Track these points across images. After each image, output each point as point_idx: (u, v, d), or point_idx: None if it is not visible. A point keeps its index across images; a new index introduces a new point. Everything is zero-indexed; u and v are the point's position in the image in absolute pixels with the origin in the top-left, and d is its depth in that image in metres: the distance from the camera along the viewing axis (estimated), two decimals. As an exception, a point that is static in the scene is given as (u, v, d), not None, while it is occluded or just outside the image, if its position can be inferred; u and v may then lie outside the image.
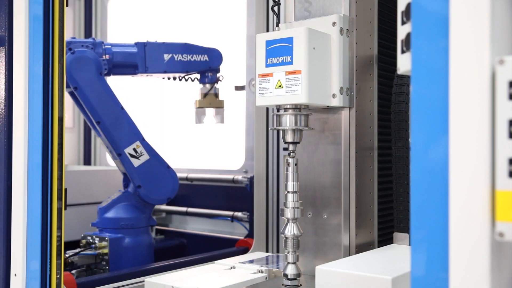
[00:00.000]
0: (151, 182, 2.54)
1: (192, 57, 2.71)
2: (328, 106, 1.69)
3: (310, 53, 1.56)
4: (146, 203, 2.57)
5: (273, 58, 1.60)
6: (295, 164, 1.65)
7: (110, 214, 2.53)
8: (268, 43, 1.61)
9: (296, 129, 1.63)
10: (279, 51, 1.59)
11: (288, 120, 1.63)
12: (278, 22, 1.75)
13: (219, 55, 2.80)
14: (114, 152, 2.49)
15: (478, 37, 0.83)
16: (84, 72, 2.40)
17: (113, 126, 2.45)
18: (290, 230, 1.63)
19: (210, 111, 2.82)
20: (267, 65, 1.61)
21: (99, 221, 2.55)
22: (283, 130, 1.65)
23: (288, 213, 1.63)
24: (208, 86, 2.79)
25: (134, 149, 2.49)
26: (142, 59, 2.61)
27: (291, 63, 1.57)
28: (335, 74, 1.66)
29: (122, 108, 2.50)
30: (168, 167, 2.60)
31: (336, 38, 1.66)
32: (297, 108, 1.62)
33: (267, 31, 2.59)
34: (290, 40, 1.57)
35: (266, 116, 2.60)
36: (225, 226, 2.96)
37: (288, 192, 1.64)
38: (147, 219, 2.59)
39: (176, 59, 2.68)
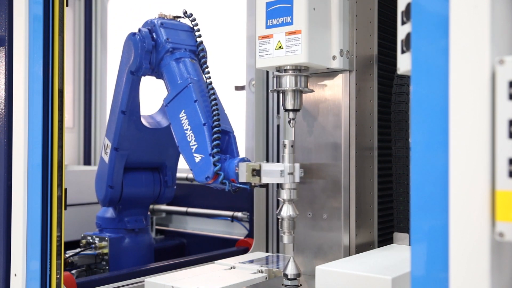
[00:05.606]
0: None
1: None
2: (328, 68, 1.67)
3: (310, 13, 1.55)
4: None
5: (273, 20, 1.60)
6: (291, 146, 1.62)
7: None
8: (268, 4, 1.61)
9: (296, 90, 1.62)
10: (279, 12, 1.58)
11: (288, 81, 1.62)
12: None
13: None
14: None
15: (478, 37, 0.83)
16: None
17: None
18: (286, 211, 1.62)
19: None
20: (267, 27, 1.60)
21: None
22: (283, 93, 1.64)
23: (284, 194, 1.62)
24: None
25: None
26: None
27: (291, 23, 1.56)
28: (335, 36, 1.65)
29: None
30: None
31: (336, 0, 1.66)
32: (297, 69, 1.61)
33: (267, 31, 2.58)
34: (290, 0, 1.57)
35: (266, 116, 2.60)
36: (225, 226, 2.95)
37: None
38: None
39: None
